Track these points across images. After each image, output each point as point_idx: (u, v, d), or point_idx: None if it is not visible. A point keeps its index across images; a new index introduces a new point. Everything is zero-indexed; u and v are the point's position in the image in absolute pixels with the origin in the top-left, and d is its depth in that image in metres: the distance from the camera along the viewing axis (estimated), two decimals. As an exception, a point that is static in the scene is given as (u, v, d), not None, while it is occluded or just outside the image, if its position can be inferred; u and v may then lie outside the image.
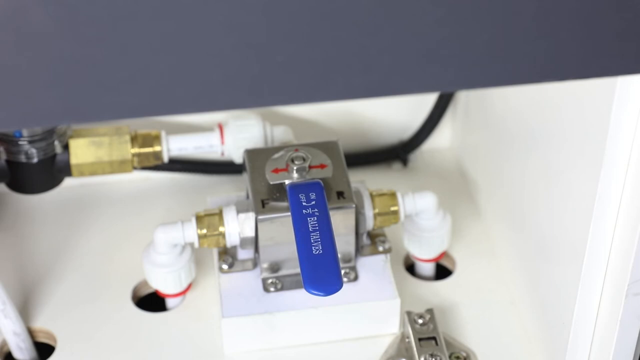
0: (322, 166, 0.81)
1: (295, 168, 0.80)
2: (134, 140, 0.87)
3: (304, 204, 0.77)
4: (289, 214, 0.79)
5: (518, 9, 0.56)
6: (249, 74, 0.55)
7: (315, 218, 0.76)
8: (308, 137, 0.89)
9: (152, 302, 0.88)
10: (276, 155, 0.82)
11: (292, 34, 0.54)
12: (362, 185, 0.85)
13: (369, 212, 0.83)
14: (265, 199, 0.80)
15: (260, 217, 0.80)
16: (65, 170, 0.85)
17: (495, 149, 0.90)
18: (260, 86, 0.56)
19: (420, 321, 0.82)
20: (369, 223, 0.83)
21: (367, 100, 0.59)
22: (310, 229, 0.76)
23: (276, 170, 0.81)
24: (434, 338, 0.81)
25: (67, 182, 0.90)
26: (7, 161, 0.84)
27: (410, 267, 0.91)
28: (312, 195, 0.78)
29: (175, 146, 0.88)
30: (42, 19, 0.52)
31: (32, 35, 0.52)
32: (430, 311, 0.83)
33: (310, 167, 0.80)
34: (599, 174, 0.67)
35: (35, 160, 0.83)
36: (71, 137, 0.85)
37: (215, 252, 0.86)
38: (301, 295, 0.82)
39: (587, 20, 0.56)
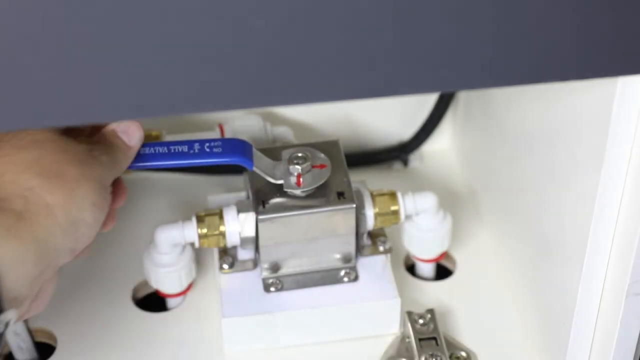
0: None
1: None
2: (134, 140, 0.86)
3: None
4: (290, 213, 0.79)
5: (518, 8, 0.56)
6: (249, 74, 0.56)
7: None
8: (308, 138, 0.89)
9: (152, 302, 0.88)
10: (276, 155, 0.82)
11: (292, 33, 0.54)
12: (362, 185, 0.85)
13: (369, 212, 0.83)
14: (265, 199, 0.80)
15: (260, 217, 0.80)
16: (65, 170, 0.85)
17: (496, 150, 0.90)
18: (260, 86, 0.56)
19: (421, 321, 0.82)
20: (370, 223, 0.83)
21: (367, 101, 0.59)
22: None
23: (276, 170, 0.80)
24: (434, 338, 0.81)
25: (68, 182, 0.90)
26: (8, 161, 0.84)
27: (411, 267, 0.91)
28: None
29: (176, 146, 0.88)
30: (43, 19, 0.52)
31: (33, 35, 0.52)
32: (430, 311, 0.83)
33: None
34: (600, 174, 0.67)
35: (35, 160, 0.83)
36: (71, 137, 0.85)
37: (215, 252, 0.86)
38: (301, 295, 0.82)
39: (587, 20, 0.56)
